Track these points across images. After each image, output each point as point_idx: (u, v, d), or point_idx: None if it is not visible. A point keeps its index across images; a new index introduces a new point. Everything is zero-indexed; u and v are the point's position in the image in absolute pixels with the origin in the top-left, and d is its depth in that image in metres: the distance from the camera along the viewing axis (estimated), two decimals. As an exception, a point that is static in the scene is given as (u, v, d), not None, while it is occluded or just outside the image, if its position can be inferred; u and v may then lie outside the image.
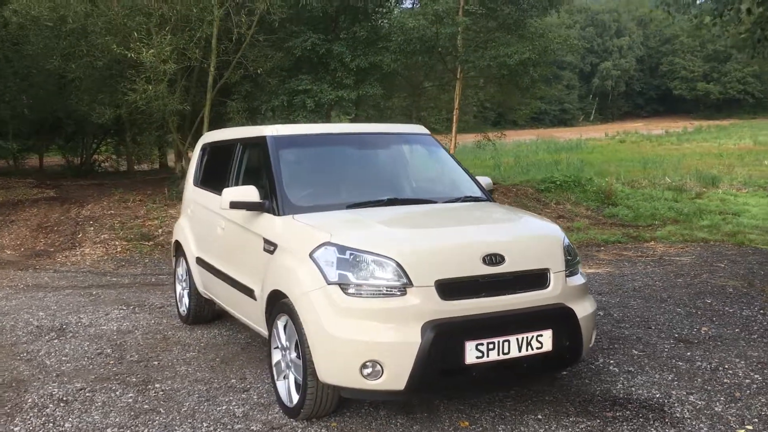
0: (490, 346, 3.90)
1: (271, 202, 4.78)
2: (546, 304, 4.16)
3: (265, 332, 4.84)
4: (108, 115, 14.91)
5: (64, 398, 4.81)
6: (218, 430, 4.23)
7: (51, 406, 4.68)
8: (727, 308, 6.83)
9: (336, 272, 3.98)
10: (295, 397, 4.29)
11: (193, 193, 6.49)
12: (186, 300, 6.57)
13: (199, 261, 6.09)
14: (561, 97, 46.57)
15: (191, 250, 6.29)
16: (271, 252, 4.57)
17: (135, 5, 13.64)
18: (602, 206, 15.34)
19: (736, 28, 5.19)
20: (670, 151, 33.56)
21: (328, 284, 3.98)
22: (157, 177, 20.78)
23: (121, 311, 7.22)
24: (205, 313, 6.49)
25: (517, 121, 51.18)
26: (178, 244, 6.71)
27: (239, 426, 4.27)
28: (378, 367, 3.83)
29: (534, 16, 15.17)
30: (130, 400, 4.75)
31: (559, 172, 19.25)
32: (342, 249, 4.03)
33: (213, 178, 6.12)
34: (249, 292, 4.93)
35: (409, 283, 3.88)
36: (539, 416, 4.28)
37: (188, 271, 6.42)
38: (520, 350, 3.98)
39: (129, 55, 12.68)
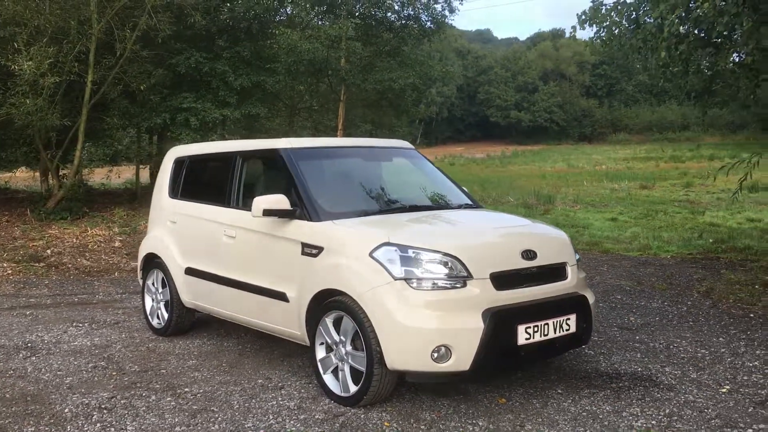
0: (535, 329, 4.55)
1: (302, 209, 5.13)
2: (568, 292, 4.88)
3: (296, 332, 5.15)
4: (-33, 130, 13.93)
5: (103, 406, 4.83)
6: (287, 419, 4.51)
7: (95, 414, 4.69)
8: (637, 302, 7.97)
9: (401, 269, 4.44)
10: (353, 387, 4.66)
11: (174, 206, 6.57)
12: (163, 312, 6.61)
13: (190, 271, 6.20)
14: (392, 122, 48.66)
15: (176, 262, 6.36)
16: (314, 255, 4.93)
17: (8, 15, 12.94)
18: (471, 222, 16.54)
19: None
20: (499, 173, 36.20)
21: (395, 280, 4.43)
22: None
23: (78, 329, 7.06)
24: (185, 323, 6.57)
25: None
26: (150, 257, 6.74)
27: (304, 416, 4.57)
28: (447, 351, 4.33)
29: (410, 44, 16.18)
30: (173, 404, 4.86)
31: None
32: (404, 248, 4.50)
33: (205, 190, 6.29)
34: (278, 295, 5.21)
35: (470, 276, 4.44)
36: (559, 390, 4.99)
37: (167, 283, 6.49)
38: (555, 332, 4.67)
39: (12, 67, 12.05)
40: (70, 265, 11.24)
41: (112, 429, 4.44)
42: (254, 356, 6.00)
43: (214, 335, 6.69)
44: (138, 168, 19.05)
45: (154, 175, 20.46)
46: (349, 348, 4.70)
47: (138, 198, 18.11)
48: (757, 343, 6.11)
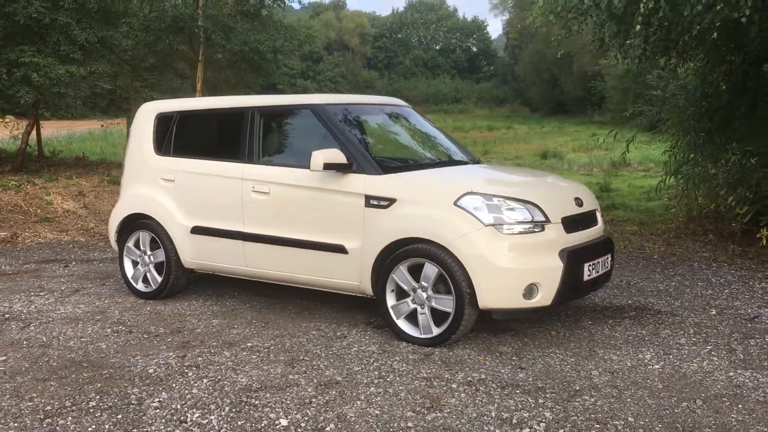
0: (593, 266, 5.18)
1: (359, 163, 5.27)
2: (601, 235, 5.56)
3: (354, 283, 5.31)
4: None
5: (188, 364, 4.66)
6: (387, 361, 4.71)
7: (189, 371, 4.54)
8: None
9: (490, 216, 4.82)
10: (435, 329, 4.96)
11: (167, 163, 6.25)
12: (154, 274, 6.31)
13: (199, 230, 5.99)
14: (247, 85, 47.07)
15: (178, 221, 6.10)
16: (384, 207, 5.11)
17: None
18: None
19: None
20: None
21: (485, 226, 4.80)
22: None
23: (44, 298, 6.49)
24: (181, 284, 6.35)
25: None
26: (134, 217, 6.38)
27: (398, 357, 4.80)
28: (534, 288, 4.80)
29: (272, 5, 15.94)
30: (256, 358, 4.81)
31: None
32: (488, 197, 4.88)
33: (212, 146, 6.14)
34: (334, 248, 5.31)
35: (547, 221, 4.94)
36: (589, 322, 5.67)
37: (162, 244, 6.20)
38: (601, 269, 5.32)
39: None
40: (-71, 236, 9.94)
41: (226, 382, 4.35)
42: (276, 313, 5.96)
43: (207, 296, 6.51)
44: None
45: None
46: (430, 292, 4.97)
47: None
48: (691, 277, 7.23)
